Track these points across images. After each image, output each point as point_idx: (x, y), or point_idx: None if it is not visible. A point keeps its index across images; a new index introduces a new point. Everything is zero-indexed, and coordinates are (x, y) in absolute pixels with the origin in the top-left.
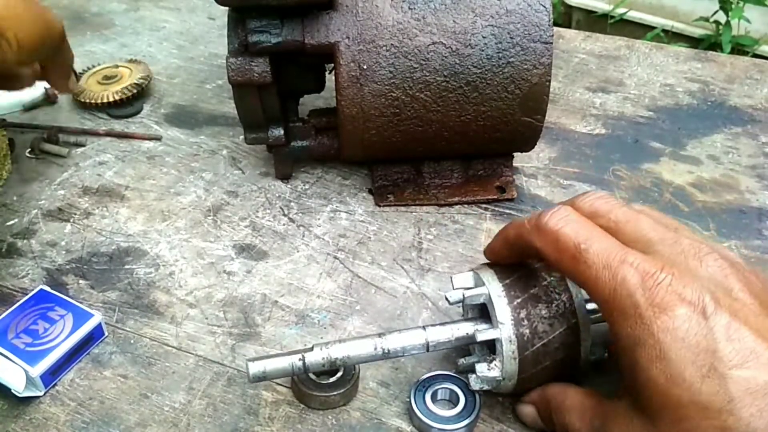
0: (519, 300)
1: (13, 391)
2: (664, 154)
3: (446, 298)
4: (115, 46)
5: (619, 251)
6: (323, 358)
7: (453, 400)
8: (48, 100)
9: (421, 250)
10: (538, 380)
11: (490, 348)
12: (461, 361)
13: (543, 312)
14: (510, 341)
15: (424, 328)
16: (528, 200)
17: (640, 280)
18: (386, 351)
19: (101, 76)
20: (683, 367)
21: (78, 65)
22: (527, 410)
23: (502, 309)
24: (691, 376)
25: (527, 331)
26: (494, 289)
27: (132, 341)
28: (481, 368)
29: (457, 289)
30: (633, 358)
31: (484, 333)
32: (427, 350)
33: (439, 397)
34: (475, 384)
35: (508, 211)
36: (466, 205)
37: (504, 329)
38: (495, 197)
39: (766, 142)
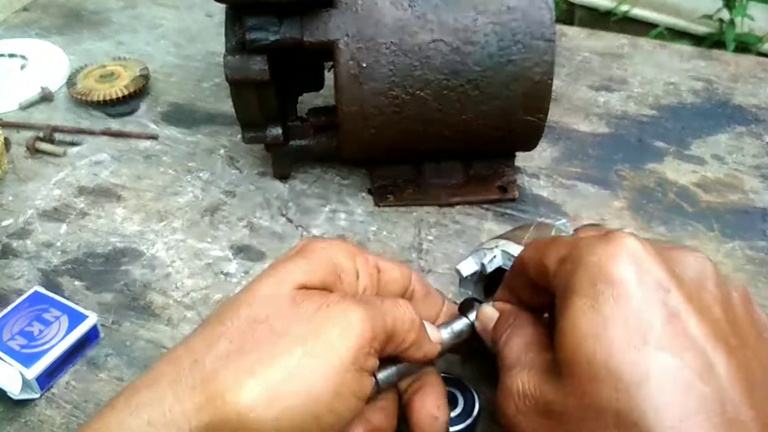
0: None
1: (8, 393)
2: (668, 154)
3: (458, 271)
4: (112, 44)
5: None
6: None
7: (452, 402)
8: (44, 98)
9: (422, 251)
10: None
11: None
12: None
13: None
14: None
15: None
16: (530, 200)
17: (604, 236)
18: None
19: (98, 74)
20: (613, 325)
21: (74, 63)
22: (489, 313)
23: None
24: (616, 337)
25: None
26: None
27: (128, 343)
28: None
29: (466, 276)
30: (565, 306)
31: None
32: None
33: None
34: None
35: (509, 211)
36: (467, 206)
37: None
38: (496, 197)
39: None
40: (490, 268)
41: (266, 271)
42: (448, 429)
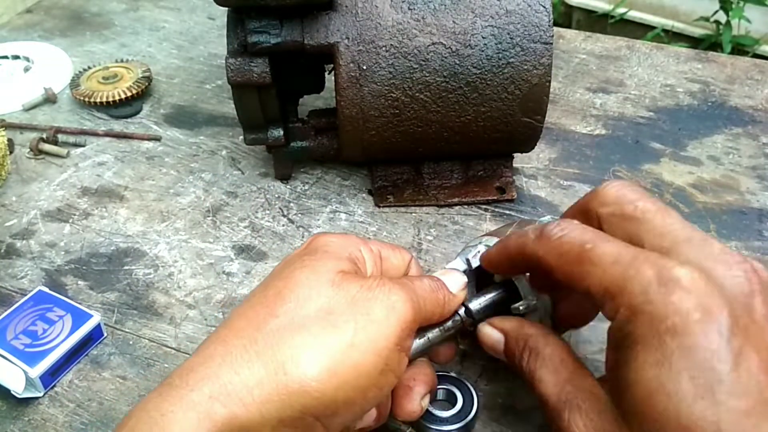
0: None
1: (12, 392)
2: (665, 155)
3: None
4: (115, 46)
5: (631, 248)
6: None
7: (451, 401)
8: (47, 100)
9: (421, 251)
10: None
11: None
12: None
13: None
14: (546, 309)
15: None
16: (528, 201)
17: (656, 276)
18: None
19: (101, 76)
20: (680, 379)
21: (77, 65)
22: (493, 336)
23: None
24: (685, 391)
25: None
26: None
27: (131, 342)
28: None
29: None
30: (628, 356)
31: (524, 304)
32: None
33: (436, 398)
34: None
35: (507, 211)
36: (465, 206)
37: (542, 297)
38: (495, 198)
39: (766, 142)
40: (475, 263)
41: (289, 265)
42: (422, 409)
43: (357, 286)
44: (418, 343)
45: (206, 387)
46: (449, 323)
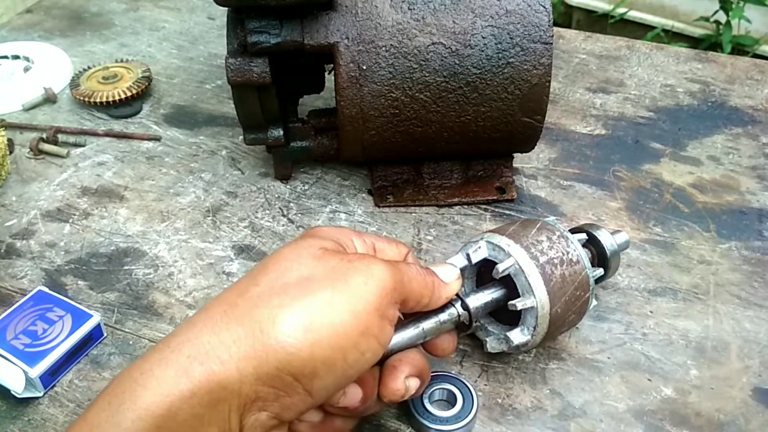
0: (546, 265)
1: (12, 392)
2: (665, 155)
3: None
4: (115, 46)
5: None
6: None
7: (450, 401)
8: (47, 100)
9: (421, 251)
10: (553, 336)
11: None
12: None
13: (560, 270)
14: (543, 307)
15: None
16: (528, 201)
17: None
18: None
19: (101, 76)
20: None
21: (77, 65)
22: None
23: (536, 279)
24: None
25: (554, 290)
26: (521, 257)
27: (131, 342)
28: (515, 335)
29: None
30: None
31: (522, 302)
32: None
33: (436, 398)
34: (497, 347)
35: (507, 211)
36: (465, 206)
37: (540, 296)
38: (495, 198)
39: (766, 142)
40: (475, 259)
41: (281, 248)
42: (407, 389)
43: (338, 259)
44: (412, 332)
45: (186, 348)
46: (445, 315)
